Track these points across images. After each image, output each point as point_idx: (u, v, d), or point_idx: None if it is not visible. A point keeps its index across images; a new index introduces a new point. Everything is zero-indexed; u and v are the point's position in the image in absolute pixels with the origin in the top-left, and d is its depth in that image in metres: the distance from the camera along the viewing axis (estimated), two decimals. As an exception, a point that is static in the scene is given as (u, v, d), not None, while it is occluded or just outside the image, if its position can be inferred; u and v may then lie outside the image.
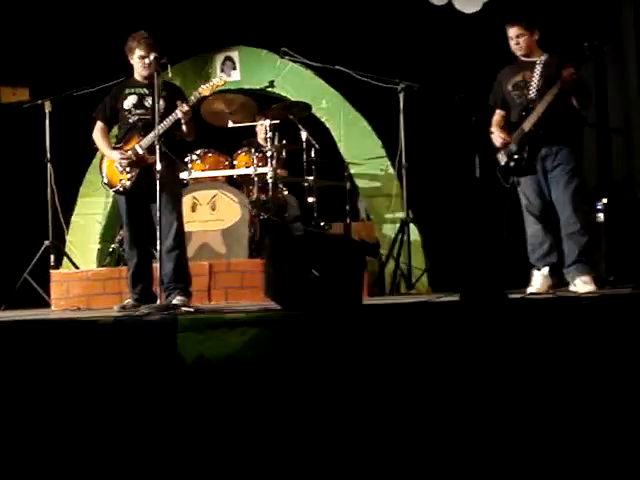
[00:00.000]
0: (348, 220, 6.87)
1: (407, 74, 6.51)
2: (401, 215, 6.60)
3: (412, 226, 6.53)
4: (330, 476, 3.42)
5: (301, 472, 3.44)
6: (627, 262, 5.06)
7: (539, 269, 4.99)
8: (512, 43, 5.00)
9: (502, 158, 5.06)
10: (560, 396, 3.35)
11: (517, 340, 3.45)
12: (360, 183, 7.04)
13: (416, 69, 6.60)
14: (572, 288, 4.86)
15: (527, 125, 4.90)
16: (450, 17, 6.57)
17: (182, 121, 4.89)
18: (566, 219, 4.89)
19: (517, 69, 5.05)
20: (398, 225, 6.55)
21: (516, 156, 4.97)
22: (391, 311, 3.91)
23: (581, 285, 4.80)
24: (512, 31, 4.99)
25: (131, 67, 5.14)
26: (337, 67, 6.68)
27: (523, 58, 5.02)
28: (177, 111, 4.88)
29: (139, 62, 5.03)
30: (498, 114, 5.17)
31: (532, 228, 5.02)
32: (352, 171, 7.00)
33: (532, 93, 4.93)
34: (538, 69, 4.94)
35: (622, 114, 6.45)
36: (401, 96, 6.47)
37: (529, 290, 4.94)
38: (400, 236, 6.45)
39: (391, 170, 6.87)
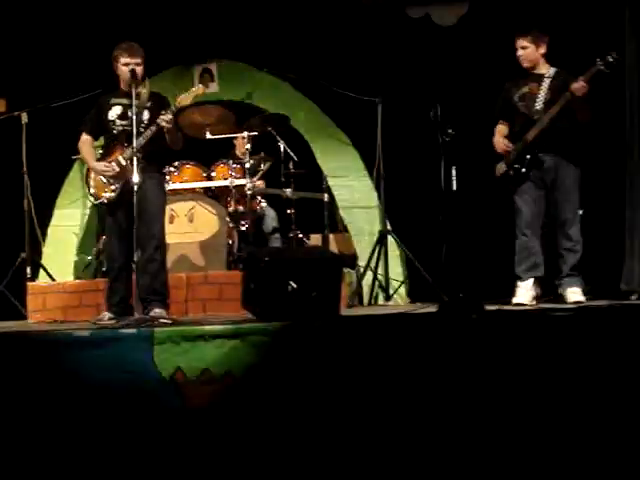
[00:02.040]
0: (326, 232, 6.88)
1: (385, 86, 6.54)
2: (379, 227, 6.62)
3: (390, 238, 6.55)
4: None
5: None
6: (604, 271, 5.12)
7: (523, 280, 5.02)
8: (517, 54, 5.06)
9: (501, 167, 5.11)
10: (537, 406, 3.37)
11: (494, 351, 3.47)
12: (338, 195, 7.05)
13: (394, 81, 6.63)
14: (567, 299, 4.90)
15: (530, 135, 4.96)
16: (427, 30, 6.61)
17: (164, 130, 4.87)
18: (563, 234, 4.96)
19: (524, 81, 5.10)
20: (376, 237, 6.56)
21: (516, 165, 5.02)
22: (368, 322, 3.91)
23: (570, 295, 4.88)
24: (518, 42, 5.05)
25: (116, 77, 5.11)
26: (315, 79, 6.70)
27: (530, 70, 5.07)
28: (159, 120, 4.85)
29: (123, 69, 4.98)
30: (502, 124, 5.21)
31: (521, 239, 5.05)
32: (330, 183, 7.01)
33: (538, 105, 4.98)
34: (546, 82, 5.00)
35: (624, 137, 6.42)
36: (379, 108, 6.50)
37: (514, 301, 4.97)
38: (378, 248, 6.46)
39: (369, 182, 6.90)
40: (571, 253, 4.95)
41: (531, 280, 5.01)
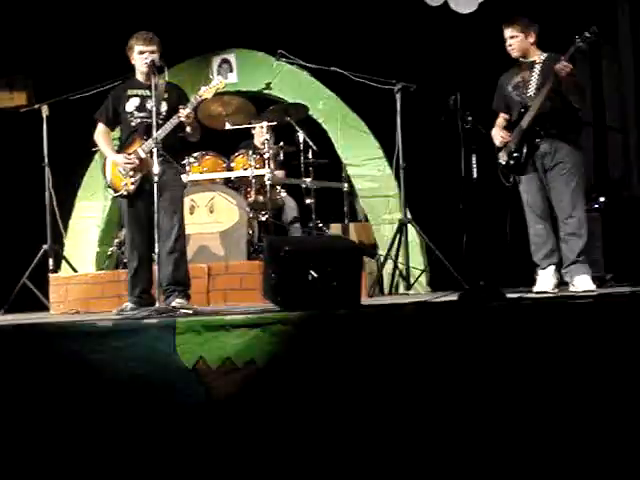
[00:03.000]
0: (346, 221, 6.88)
1: (404, 75, 6.52)
2: (399, 216, 6.60)
3: (410, 227, 6.54)
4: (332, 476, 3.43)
5: (301, 472, 3.45)
6: (625, 260, 5.06)
7: (543, 268, 4.99)
8: (506, 44, 5.05)
9: (502, 157, 5.07)
10: (559, 395, 3.36)
11: (516, 340, 3.46)
12: (358, 184, 7.05)
13: (413, 70, 6.60)
14: (571, 288, 4.86)
15: (525, 122, 4.92)
16: (446, 17, 6.57)
17: (185, 124, 4.88)
18: (564, 219, 4.90)
19: (516, 70, 5.09)
20: (396, 226, 6.55)
21: (515, 154, 4.99)
22: (390, 311, 3.92)
23: (580, 284, 4.81)
24: (506, 32, 5.03)
25: (133, 68, 5.11)
26: (334, 68, 6.68)
27: (522, 59, 5.05)
28: (178, 115, 4.86)
29: (139, 58, 4.98)
30: (501, 117, 5.20)
31: (534, 228, 5.02)
32: (350, 172, 7.01)
33: (530, 92, 4.96)
34: (537, 68, 4.96)
35: (618, 112, 6.46)
36: (398, 97, 6.47)
37: (535, 289, 4.95)
38: (398, 237, 6.45)
39: (389, 171, 6.88)
40: (575, 238, 4.87)
41: (551, 268, 4.97)
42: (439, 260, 6.24)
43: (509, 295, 4.07)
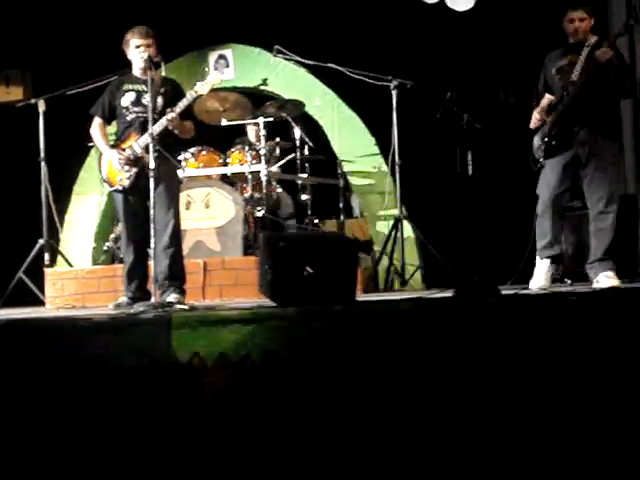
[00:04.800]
0: (342, 217, 6.89)
1: (400, 72, 6.53)
2: (395, 212, 6.62)
3: (406, 223, 6.55)
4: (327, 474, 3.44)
5: (296, 468, 3.46)
6: (617, 258, 5.07)
7: (541, 259, 4.95)
8: (572, 26, 4.88)
9: (537, 140, 4.95)
10: (554, 391, 3.38)
11: (510, 336, 3.47)
12: (353, 180, 7.06)
13: (409, 67, 6.61)
14: (595, 285, 4.77)
15: (563, 106, 4.82)
16: (443, 15, 6.59)
17: (170, 127, 4.89)
18: (596, 214, 4.80)
19: (564, 52, 4.96)
20: (392, 222, 6.57)
21: (547, 138, 4.87)
22: (385, 307, 3.93)
23: (604, 280, 4.72)
24: (577, 14, 4.88)
25: (129, 63, 5.12)
26: (330, 65, 6.69)
27: (572, 41, 4.93)
28: (164, 118, 4.86)
29: (135, 52, 4.97)
30: (546, 98, 5.03)
31: (543, 216, 4.93)
32: (345, 168, 7.02)
33: (574, 76, 4.82)
34: (585, 51, 4.83)
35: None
36: (394, 93, 6.48)
37: (531, 282, 4.94)
38: (394, 233, 6.47)
39: (384, 167, 6.90)
40: (605, 234, 4.78)
41: (547, 260, 4.94)
42: (434, 256, 6.26)
43: (505, 291, 4.08)
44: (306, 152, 6.74)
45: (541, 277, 4.94)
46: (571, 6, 4.92)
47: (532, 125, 5.02)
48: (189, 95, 5.00)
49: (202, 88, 5.03)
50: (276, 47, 6.96)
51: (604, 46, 4.68)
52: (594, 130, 4.80)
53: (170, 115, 4.84)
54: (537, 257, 5.00)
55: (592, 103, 4.78)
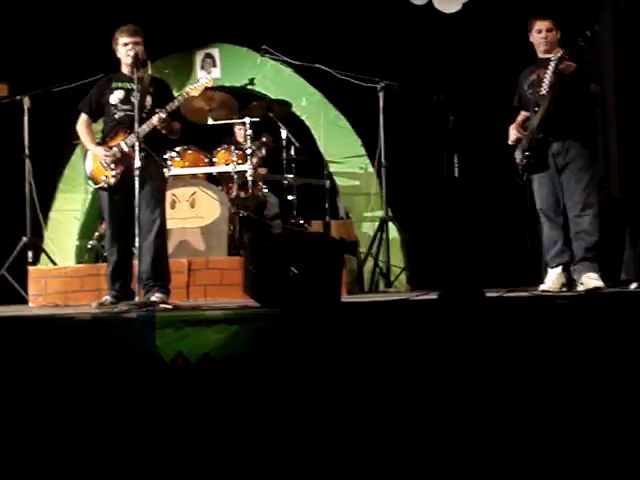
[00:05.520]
0: (327, 218, 6.89)
1: (387, 73, 6.54)
2: (380, 214, 6.63)
3: (391, 224, 6.56)
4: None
5: (279, 468, 3.45)
6: (603, 263, 5.10)
7: (552, 267, 5.00)
8: (539, 36, 4.99)
9: (517, 155, 5.07)
10: (538, 394, 3.39)
11: (495, 338, 3.48)
12: (340, 181, 7.06)
13: (396, 68, 6.62)
14: (580, 287, 4.84)
15: (535, 121, 4.93)
16: (430, 17, 6.60)
17: (158, 127, 4.87)
18: (575, 216, 4.91)
19: (533, 68, 5.08)
20: (377, 223, 6.57)
21: (527, 152, 5.00)
22: (369, 309, 3.92)
23: (588, 282, 4.79)
24: (544, 24, 4.98)
25: (117, 61, 5.09)
26: (317, 65, 6.69)
27: (541, 55, 5.03)
28: (154, 118, 4.84)
29: (123, 50, 4.94)
30: (522, 115, 5.17)
31: (545, 227, 5.04)
32: (332, 169, 7.02)
33: (543, 90, 4.93)
34: (551, 65, 4.92)
35: (599, 114, 6.51)
36: (381, 95, 6.49)
37: (541, 288, 4.97)
38: (379, 234, 6.47)
39: (371, 169, 6.90)
40: (585, 236, 4.88)
41: (560, 267, 4.98)
42: (419, 258, 6.27)
43: (490, 294, 4.09)
44: (292, 152, 6.73)
45: (551, 283, 4.97)
46: (538, 16, 5.02)
47: (510, 141, 5.13)
48: (181, 96, 4.99)
49: (194, 90, 5.03)
50: (263, 47, 6.95)
51: (566, 60, 4.80)
52: (567, 140, 4.93)
53: (160, 115, 4.83)
54: (548, 266, 5.05)
55: (562, 115, 4.90)
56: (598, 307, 3.56)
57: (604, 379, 3.35)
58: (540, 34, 5.00)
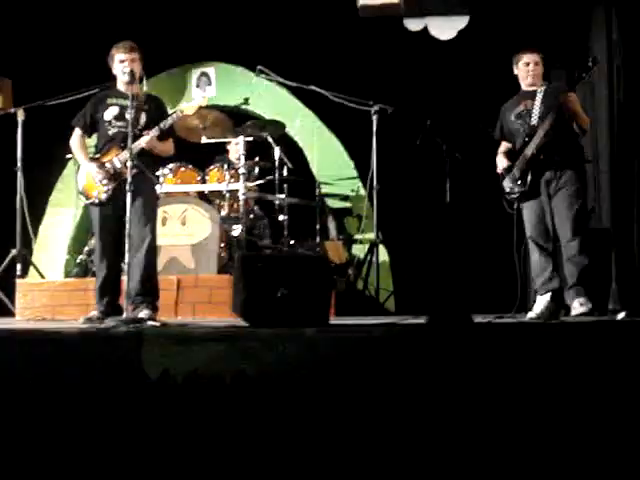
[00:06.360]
0: (318, 239, 6.89)
1: (381, 97, 6.57)
2: (371, 236, 6.64)
3: (381, 247, 6.56)
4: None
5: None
6: (592, 293, 5.13)
7: (541, 294, 5.02)
8: (527, 69, 5.11)
9: (507, 185, 5.13)
10: (524, 419, 3.39)
11: (482, 364, 3.48)
12: (331, 203, 7.08)
13: (390, 92, 6.66)
14: (572, 312, 4.89)
15: (529, 150, 5.00)
16: (426, 43, 6.64)
17: (146, 148, 4.88)
18: (566, 242, 4.96)
19: (519, 99, 5.17)
20: (367, 246, 6.58)
21: (519, 182, 5.06)
22: (357, 332, 3.92)
23: (578, 307, 4.85)
24: (532, 57, 5.11)
25: (113, 77, 5.09)
26: (312, 87, 6.72)
27: (525, 88, 5.15)
28: (142, 140, 4.85)
29: (119, 67, 4.95)
30: (504, 145, 5.27)
31: (534, 255, 5.07)
32: (323, 191, 7.03)
33: (534, 120, 5.04)
34: (539, 97, 5.06)
35: (590, 143, 6.55)
36: (374, 118, 6.52)
37: (529, 315, 4.98)
38: (369, 257, 6.47)
39: (362, 191, 6.92)
40: (574, 263, 4.93)
41: (548, 295, 5.00)
42: (408, 282, 6.27)
43: (478, 320, 4.09)
44: (285, 173, 6.75)
45: (540, 309, 4.97)
46: (527, 50, 5.13)
47: (500, 170, 5.20)
48: (175, 115, 5.00)
49: (188, 109, 5.04)
50: (259, 67, 6.98)
51: (568, 91, 4.92)
52: (558, 169, 5.00)
53: (147, 138, 4.84)
54: (537, 293, 5.06)
55: (556, 144, 4.98)
56: (583, 336, 3.57)
57: (589, 406, 3.36)
58: (527, 67, 5.11)
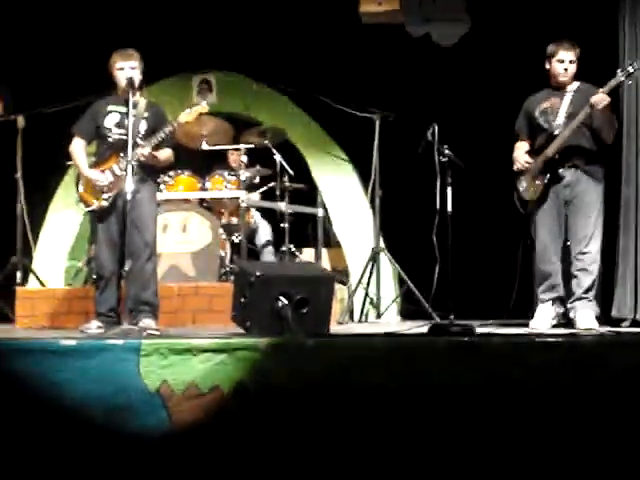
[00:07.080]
0: (319, 247, 6.86)
1: (383, 104, 6.55)
2: (372, 244, 6.60)
3: (383, 255, 6.53)
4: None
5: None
6: (598, 297, 5.09)
7: (543, 302, 4.95)
8: (561, 66, 4.90)
9: (523, 184, 5.00)
10: (525, 434, 3.36)
11: (481, 373, 3.45)
12: (332, 210, 7.04)
13: (392, 99, 6.63)
14: (577, 325, 4.80)
15: (551, 150, 4.84)
16: (428, 50, 6.62)
17: (141, 160, 4.84)
18: (578, 253, 4.85)
19: (545, 96, 4.99)
20: (369, 254, 6.54)
21: (537, 182, 4.91)
22: (359, 341, 3.89)
23: (583, 321, 4.77)
24: (569, 55, 4.89)
25: (113, 84, 5.07)
26: (313, 94, 6.70)
27: (555, 85, 4.96)
28: (136, 152, 4.82)
29: (119, 74, 4.93)
30: (522, 140, 5.09)
31: (537, 262, 4.97)
32: (325, 198, 7.00)
33: (560, 119, 4.87)
34: (569, 95, 4.89)
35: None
36: (376, 125, 6.49)
37: (531, 323, 4.92)
38: (371, 264, 6.44)
39: (364, 198, 6.89)
40: (585, 274, 4.83)
41: (549, 303, 4.94)
42: (410, 290, 6.24)
43: (481, 330, 4.06)
44: (286, 180, 6.72)
45: (542, 319, 4.92)
46: (564, 46, 4.91)
47: (518, 167, 5.03)
48: (175, 123, 4.97)
49: (188, 116, 5.01)
50: (260, 74, 6.96)
51: (602, 93, 4.68)
52: (579, 173, 4.87)
53: (141, 151, 4.81)
54: (539, 301, 4.98)
55: (579, 147, 4.84)
56: (583, 350, 3.53)
57: (586, 421, 3.33)
58: (562, 64, 4.90)
